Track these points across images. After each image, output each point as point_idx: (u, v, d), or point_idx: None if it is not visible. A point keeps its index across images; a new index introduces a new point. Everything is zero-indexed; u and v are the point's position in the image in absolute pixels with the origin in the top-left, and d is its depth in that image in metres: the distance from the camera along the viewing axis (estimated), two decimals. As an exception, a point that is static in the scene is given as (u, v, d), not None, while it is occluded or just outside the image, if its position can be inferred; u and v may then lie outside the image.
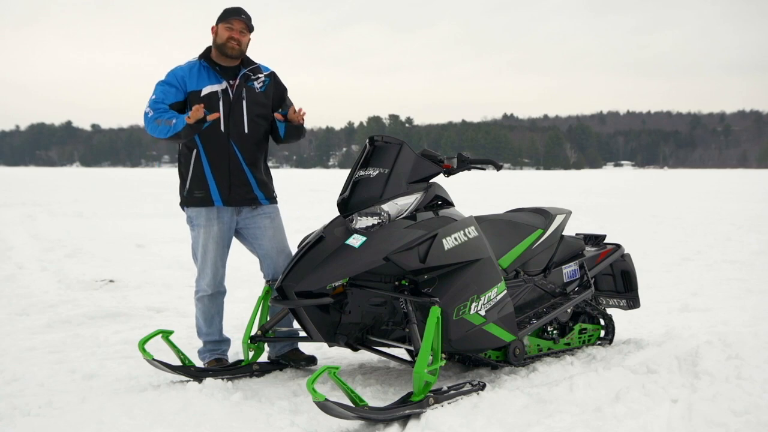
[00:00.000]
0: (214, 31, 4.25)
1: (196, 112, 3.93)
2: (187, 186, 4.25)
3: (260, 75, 4.34)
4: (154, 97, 4.18)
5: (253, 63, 4.35)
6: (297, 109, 4.31)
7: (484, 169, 4.19)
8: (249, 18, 4.26)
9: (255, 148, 4.30)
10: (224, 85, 4.21)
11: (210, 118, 4.01)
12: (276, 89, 4.41)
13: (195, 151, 4.20)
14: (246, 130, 4.24)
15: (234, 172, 4.21)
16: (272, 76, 4.41)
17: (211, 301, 4.32)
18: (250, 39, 4.30)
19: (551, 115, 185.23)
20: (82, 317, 5.77)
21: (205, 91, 4.17)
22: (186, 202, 4.29)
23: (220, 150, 4.19)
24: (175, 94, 4.18)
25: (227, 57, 4.23)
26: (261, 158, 4.36)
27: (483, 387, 3.77)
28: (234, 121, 4.21)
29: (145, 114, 4.16)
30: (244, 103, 4.24)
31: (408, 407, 3.38)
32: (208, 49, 4.31)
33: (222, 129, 4.18)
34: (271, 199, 4.39)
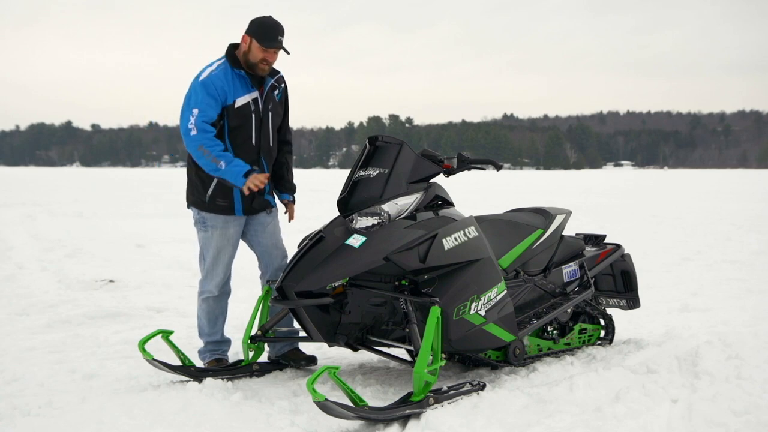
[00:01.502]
0: (247, 42, 4.11)
1: (257, 185, 4.01)
2: (210, 192, 4.17)
3: (282, 84, 4.36)
4: (197, 110, 4.04)
5: (277, 72, 4.33)
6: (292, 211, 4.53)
7: (484, 169, 4.20)
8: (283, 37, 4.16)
9: (273, 159, 4.36)
10: (255, 94, 4.19)
11: (263, 185, 4.08)
12: (285, 95, 4.44)
13: None
14: (271, 143, 4.29)
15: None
16: (284, 81, 4.41)
17: (216, 302, 4.33)
18: None
19: (551, 115, 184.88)
20: (82, 317, 5.77)
21: (239, 102, 4.13)
22: (205, 207, 4.21)
23: (250, 164, 4.17)
24: (215, 108, 4.08)
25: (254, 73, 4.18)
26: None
27: (483, 387, 3.77)
28: (263, 134, 4.24)
29: (188, 130, 4.04)
30: (270, 115, 4.27)
31: (408, 407, 3.38)
32: (235, 50, 4.18)
33: (253, 143, 4.20)
34: (275, 199, 4.43)
